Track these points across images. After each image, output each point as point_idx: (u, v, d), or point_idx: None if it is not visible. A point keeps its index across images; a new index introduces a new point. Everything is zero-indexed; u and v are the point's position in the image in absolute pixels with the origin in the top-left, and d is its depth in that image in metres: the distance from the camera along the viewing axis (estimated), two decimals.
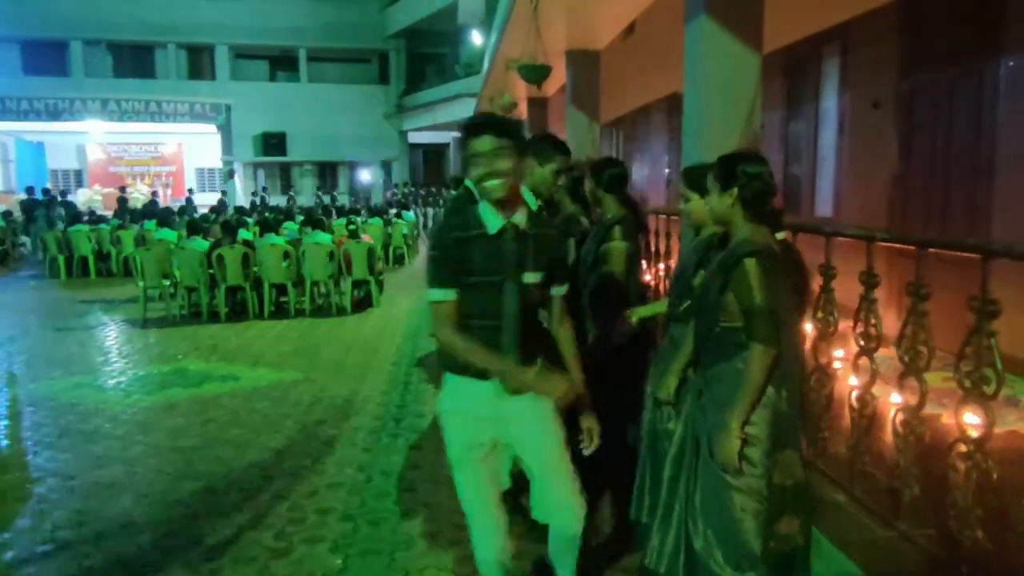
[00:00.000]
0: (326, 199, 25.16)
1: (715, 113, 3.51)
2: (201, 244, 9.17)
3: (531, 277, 2.16)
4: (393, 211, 17.62)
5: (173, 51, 28.11)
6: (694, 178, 2.73)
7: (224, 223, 9.66)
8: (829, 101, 6.16)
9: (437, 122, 28.02)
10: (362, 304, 9.81)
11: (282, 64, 29.98)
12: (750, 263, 2.17)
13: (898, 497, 2.23)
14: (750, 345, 2.19)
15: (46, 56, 26.79)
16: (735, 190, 2.25)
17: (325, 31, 28.88)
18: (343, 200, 26.49)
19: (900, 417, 2.23)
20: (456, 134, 29.44)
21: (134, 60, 28.13)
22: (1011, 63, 4.15)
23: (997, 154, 4.25)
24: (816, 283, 2.67)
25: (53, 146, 28.13)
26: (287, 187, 29.03)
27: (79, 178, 29.50)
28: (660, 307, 3.27)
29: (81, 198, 25.39)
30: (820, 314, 2.66)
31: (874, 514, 2.32)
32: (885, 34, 5.27)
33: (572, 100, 7.52)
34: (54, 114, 26.23)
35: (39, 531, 3.52)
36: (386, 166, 31.51)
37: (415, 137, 31.56)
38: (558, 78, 8.40)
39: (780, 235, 2.38)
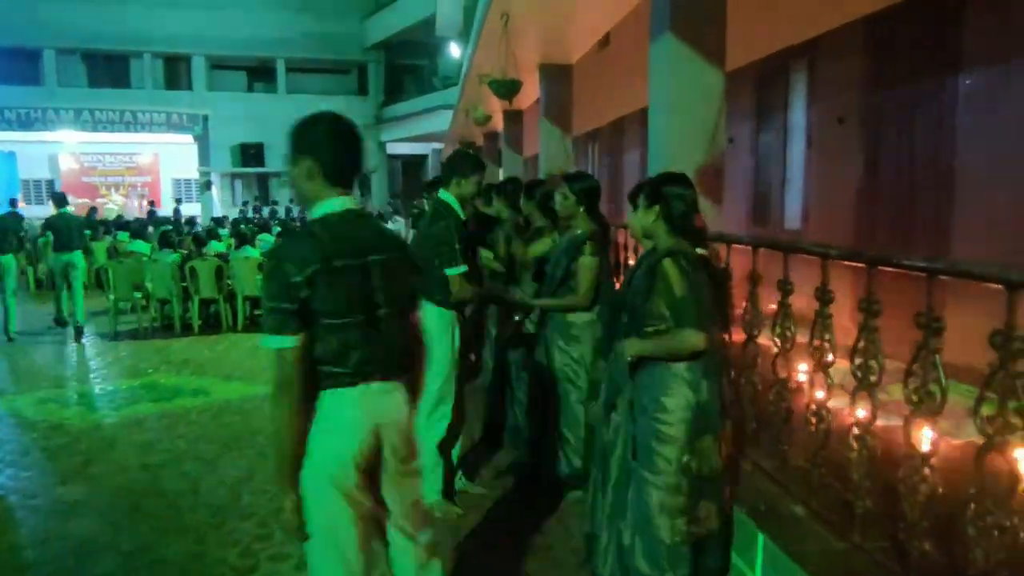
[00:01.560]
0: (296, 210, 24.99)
1: (679, 130, 3.56)
2: (173, 257, 9.09)
3: None
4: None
5: (149, 61, 27.86)
6: (632, 194, 2.82)
7: (194, 235, 9.58)
8: (797, 115, 6.26)
9: (416, 134, 28.04)
10: None
11: (260, 75, 29.85)
12: (668, 263, 2.39)
13: (852, 510, 2.26)
14: (680, 331, 2.39)
15: (18, 65, 26.38)
16: (657, 207, 2.50)
17: (303, 42, 28.80)
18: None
19: (854, 431, 2.27)
20: (435, 145, 29.51)
21: (109, 70, 27.82)
22: (968, 81, 4.26)
23: (956, 170, 4.35)
24: (776, 298, 2.71)
25: (25, 156, 27.63)
26: (265, 198, 28.84)
27: (52, 188, 29.02)
28: None
29: (52, 209, 24.97)
30: (778, 329, 2.69)
31: (830, 526, 2.35)
32: (850, 51, 5.38)
33: (545, 113, 7.58)
34: (26, 124, 25.80)
35: None
36: (365, 177, 31.40)
37: (394, 148, 31.54)
38: (534, 92, 8.47)
39: (700, 251, 2.56)
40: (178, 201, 25.29)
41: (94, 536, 3.57)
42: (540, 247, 4.14)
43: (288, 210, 24.64)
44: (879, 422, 2.25)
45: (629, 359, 2.54)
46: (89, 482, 4.28)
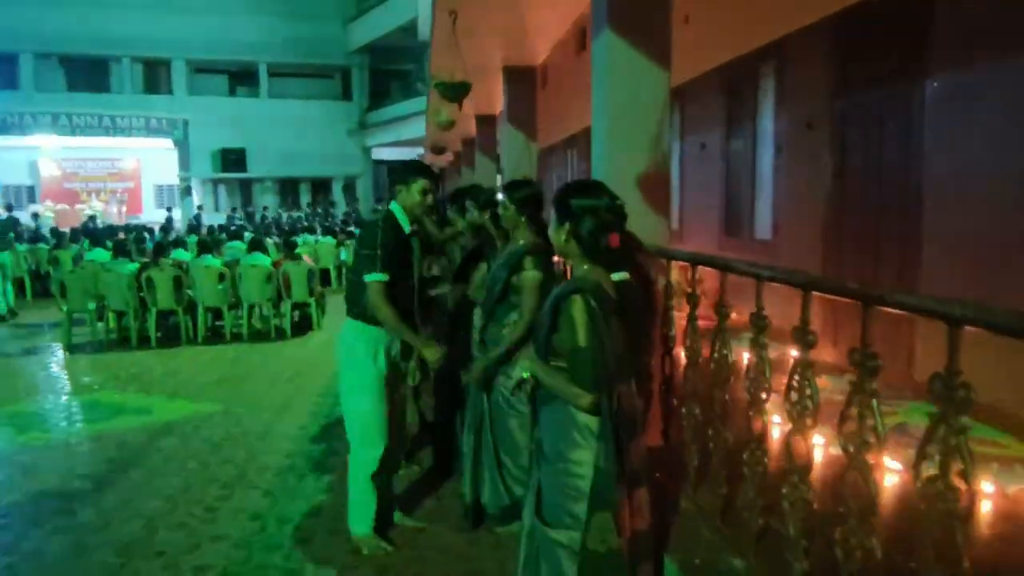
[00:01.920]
0: (272, 214, 24.69)
1: (621, 133, 3.29)
2: (129, 266, 8.76)
3: None
4: (351, 229, 17.24)
5: (128, 65, 27.52)
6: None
7: (156, 244, 9.25)
8: (766, 121, 6.01)
9: (401, 138, 27.77)
10: (303, 326, 9.47)
11: (242, 79, 29.53)
12: (575, 301, 2.05)
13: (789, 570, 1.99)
14: (572, 386, 2.08)
15: None
16: (568, 225, 2.14)
17: (286, 46, 28.53)
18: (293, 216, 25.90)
19: (790, 478, 1.99)
20: (421, 150, 29.27)
21: (88, 74, 27.45)
22: (935, 85, 4.01)
23: (924, 178, 4.10)
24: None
25: (4, 161, 27.26)
26: (247, 204, 28.52)
27: (31, 194, 28.65)
28: None
29: (30, 212, 24.60)
30: (715, 355, 2.42)
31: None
32: (818, 54, 5.13)
33: (509, 118, 7.30)
34: (2, 128, 25.46)
35: None
36: (349, 183, 31.11)
37: (379, 153, 31.26)
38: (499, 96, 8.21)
39: (618, 276, 2.18)
40: (169, 209, 24.91)
41: None
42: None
43: (275, 218, 24.36)
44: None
45: (525, 375, 2.28)
46: None
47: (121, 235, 14.71)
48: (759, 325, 2.09)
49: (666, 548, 2.48)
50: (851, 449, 1.71)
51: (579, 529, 2.07)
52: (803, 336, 1.90)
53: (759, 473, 2.17)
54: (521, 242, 3.43)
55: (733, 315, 2.43)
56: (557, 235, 2.19)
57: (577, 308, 2.02)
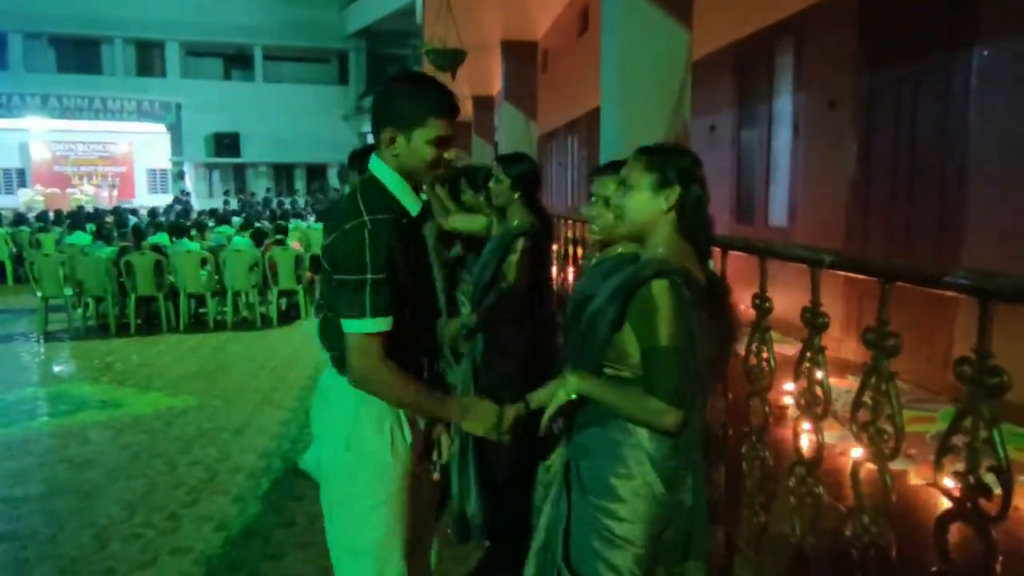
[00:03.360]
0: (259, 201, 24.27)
1: (635, 102, 2.88)
2: (107, 250, 8.35)
3: None
4: None
5: (120, 46, 26.93)
6: (600, 169, 2.07)
7: (134, 227, 8.84)
8: (783, 100, 5.60)
9: None
10: (290, 315, 9.09)
11: (236, 62, 28.98)
12: (660, 287, 1.54)
13: None
14: (647, 398, 1.56)
15: None
16: (677, 190, 1.64)
17: (282, 29, 27.98)
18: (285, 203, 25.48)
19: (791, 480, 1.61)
20: None
21: (78, 55, 26.86)
22: (985, 53, 3.60)
23: (968, 160, 3.70)
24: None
25: None
26: (242, 189, 28.04)
27: (22, 177, 28.11)
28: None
29: (22, 198, 24.15)
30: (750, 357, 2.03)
31: None
32: (842, 25, 4.72)
33: (507, 96, 6.87)
34: None
35: None
36: (344, 169, 30.64)
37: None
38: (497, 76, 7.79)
39: (710, 265, 1.72)
40: (185, 194, 24.43)
41: None
42: (470, 223, 3.43)
43: (266, 200, 23.92)
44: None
45: (569, 397, 1.64)
46: None
47: (108, 219, 14.29)
48: (763, 308, 1.71)
49: None
50: (865, 440, 1.34)
51: None
52: (813, 320, 1.52)
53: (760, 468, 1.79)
54: (515, 222, 3.04)
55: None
56: (652, 201, 1.65)
57: (662, 296, 1.54)
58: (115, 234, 9.26)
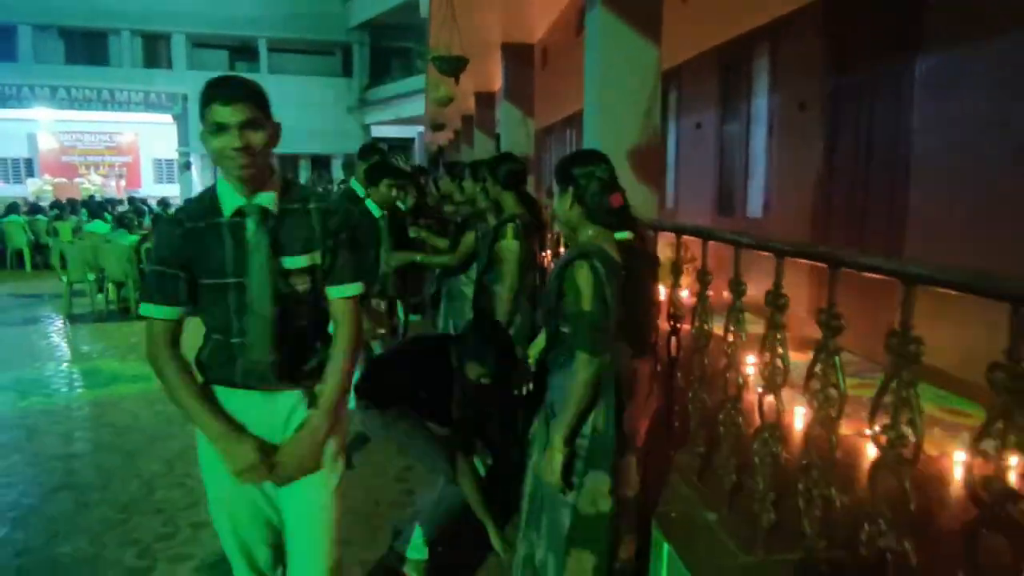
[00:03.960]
0: None
1: (612, 108, 3.35)
2: (129, 237, 8.83)
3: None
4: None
5: (128, 38, 27.31)
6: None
7: (155, 216, 9.31)
8: (760, 101, 6.06)
9: (401, 116, 27.66)
10: None
11: (241, 54, 29.35)
12: (580, 267, 2.07)
13: (758, 521, 2.09)
14: (576, 353, 2.08)
15: None
16: (571, 190, 2.19)
17: (286, 22, 28.34)
18: None
19: (761, 435, 2.09)
20: (421, 128, 29.18)
21: (86, 47, 27.25)
22: (926, 64, 4.06)
23: (912, 159, 4.17)
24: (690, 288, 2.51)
25: (2, 134, 27.18)
26: None
27: (29, 167, 28.57)
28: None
29: (31, 188, 24.60)
30: (696, 322, 2.51)
31: (738, 538, 2.19)
32: (810, 33, 5.17)
33: (507, 95, 7.34)
34: (1, 101, 25.34)
35: None
36: (349, 160, 31.01)
37: (378, 131, 31.12)
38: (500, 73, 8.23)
39: (622, 235, 2.26)
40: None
41: None
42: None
43: None
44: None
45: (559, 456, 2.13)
46: None
47: (121, 208, 14.74)
48: (704, 281, 2.18)
49: (652, 512, 2.57)
50: (815, 405, 1.80)
51: (581, 488, 2.13)
52: (775, 301, 1.99)
53: (734, 433, 2.27)
54: (507, 213, 3.52)
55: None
56: (561, 203, 2.22)
57: (582, 274, 2.05)
58: (136, 223, 9.72)
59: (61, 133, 28.90)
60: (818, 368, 1.83)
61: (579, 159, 2.30)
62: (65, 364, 6.60)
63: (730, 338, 2.29)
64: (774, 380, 2.03)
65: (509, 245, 3.33)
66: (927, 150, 4.08)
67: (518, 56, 7.26)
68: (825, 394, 1.78)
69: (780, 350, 2.01)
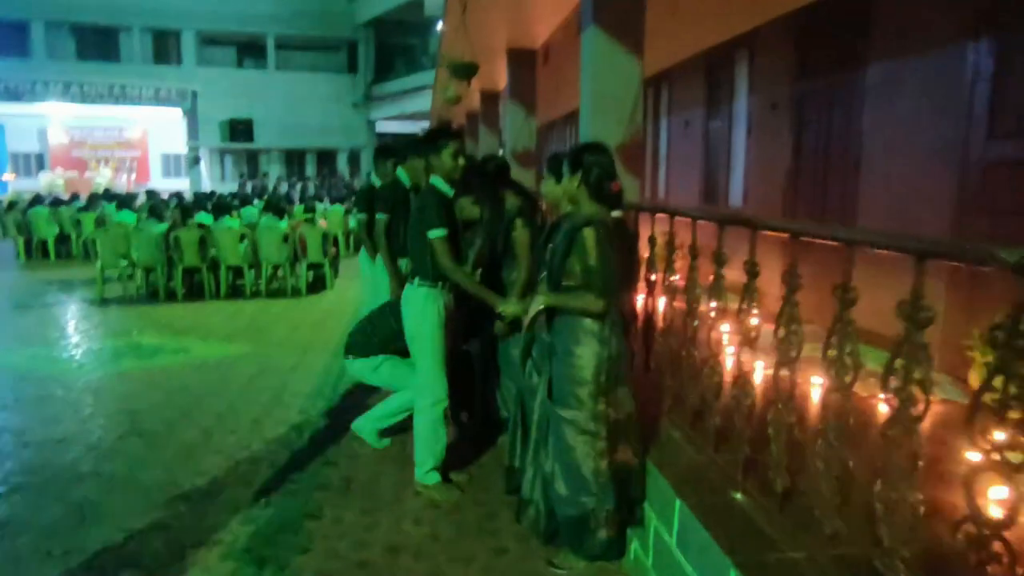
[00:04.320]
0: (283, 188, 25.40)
1: (602, 111, 4.01)
2: (159, 226, 9.48)
3: None
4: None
5: (138, 35, 27.96)
6: (552, 164, 3.21)
7: (181, 206, 9.95)
8: (740, 102, 6.71)
9: (405, 112, 28.30)
10: (317, 286, 10.21)
11: (250, 51, 29.99)
12: (588, 232, 2.70)
13: (706, 428, 2.76)
14: (586, 295, 2.73)
15: (6, 37, 26.48)
16: (580, 174, 2.80)
17: (294, 19, 28.95)
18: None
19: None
20: (426, 124, 29.78)
21: (98, 43, 27.91)
22: (873, 75, 4.72)
23: (862, 156, 4.83)
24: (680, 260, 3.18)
25: (13, 128, 27.77)
26: (254, 174, 29.10)
27: (40, 161, 29.18)
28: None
29: (43, 181, 25.21)
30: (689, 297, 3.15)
31: (693, 444, 2.85)
32: (782, 43, 5.82)
33: (511, 95, 8.00)
34: (14, 96, 25.90)
35: None
36: (354, 155, 31.67)
37: (383, 127, 31.77)
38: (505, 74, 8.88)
39: (616, 213, 2.89)
40: (242, 176, 25.76)
41: (78, 464, 4.05)
42: None
43: (275, 187, 25.01)
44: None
45: (541, 307, 2.84)
46: (75, 423, 4.74)
47: (140, 200, 15.40)
48: (694, 254, 2.84)
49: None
50: (832, 373, 2.04)
51: (581, 408, 2.74)
52: (751, 269, 2.60)
53: (716, 383, 2.86)
54: (509, 207, 4.15)
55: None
56: (569, 182, 2.82)
57: (590, 236, 2.66)
58: (167, 213, 10.36)
59: (71, 128, 29.45)
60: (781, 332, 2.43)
61: (590, 148, 2.93)
62: (109, 340, 7.26)
63: (706, 302, 2.94)
64: (746, 340, 2.62)
65: (520, 235, 3.92)
66: (873, 148, 4.75)
67: (522, 60, 7.91)
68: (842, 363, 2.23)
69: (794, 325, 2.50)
